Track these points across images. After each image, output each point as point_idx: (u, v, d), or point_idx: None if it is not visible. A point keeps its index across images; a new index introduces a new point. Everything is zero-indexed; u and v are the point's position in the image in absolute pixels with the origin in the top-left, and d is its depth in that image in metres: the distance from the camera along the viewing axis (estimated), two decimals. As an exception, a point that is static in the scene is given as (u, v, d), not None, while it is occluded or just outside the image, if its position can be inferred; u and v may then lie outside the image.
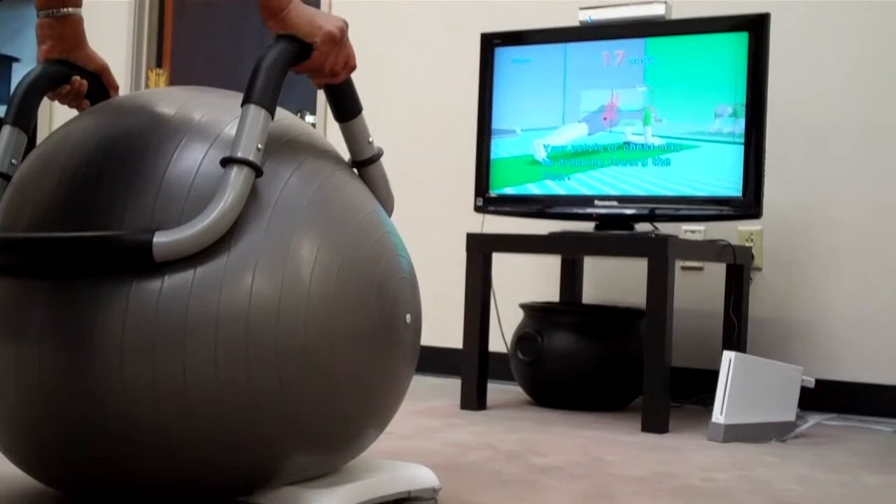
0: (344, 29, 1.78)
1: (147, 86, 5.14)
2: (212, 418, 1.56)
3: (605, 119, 3.38)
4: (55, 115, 4.74)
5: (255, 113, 1.64)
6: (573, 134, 3.43)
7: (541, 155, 3.46)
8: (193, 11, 5.46)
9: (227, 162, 1.59)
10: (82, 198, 1.63)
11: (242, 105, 1.65)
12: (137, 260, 1.53)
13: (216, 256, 1.56)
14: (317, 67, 1.78)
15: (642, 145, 3.30)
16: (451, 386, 3.66)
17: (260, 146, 1.62)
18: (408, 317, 1.81)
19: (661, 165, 3.27)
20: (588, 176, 3.38)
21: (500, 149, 3.52)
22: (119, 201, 1.60)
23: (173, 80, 5.26)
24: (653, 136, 3.29)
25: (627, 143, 3.32)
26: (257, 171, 1.60)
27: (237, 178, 1.57)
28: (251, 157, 1.59)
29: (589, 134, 3.40)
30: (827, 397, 3.42)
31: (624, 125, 3.34)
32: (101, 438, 1.58)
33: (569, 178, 3.40)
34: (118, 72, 2.05)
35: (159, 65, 5.25)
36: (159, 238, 1.53)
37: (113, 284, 1.55)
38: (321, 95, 4.52)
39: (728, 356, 2.95)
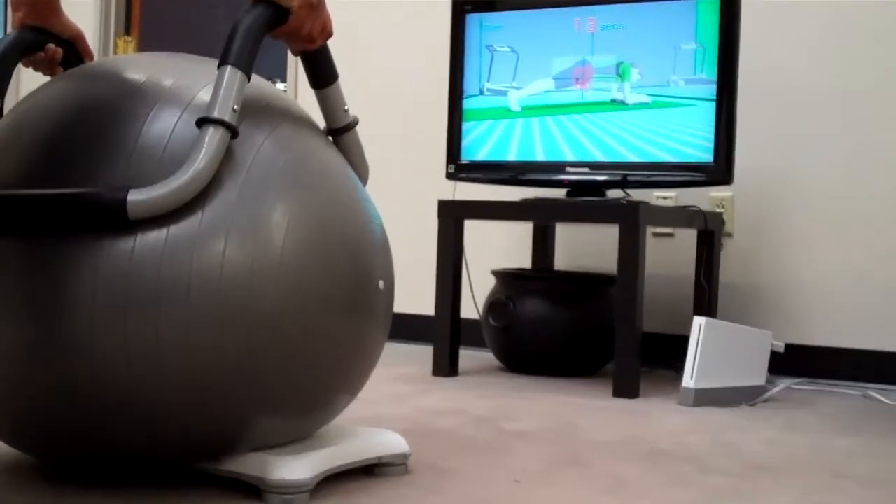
0: None
1: (115, 53, 5.11)
2: (183, 382, 1.56)
3: (576, 79, 3.38)
4: (23, 83, 4.70)
5: (232, 74, 1.64)
6: (540, 87, 3.43)
7: (514, 106, 3.47)
8: (162, -22, 5.42)
9: (202, 122, 1.59)
10: (55, 160, 1.62)
11: (219, 67, 1.65)
12: (111, 218, 1.53)
13: (189, 217, 1.55)
14: (293, 32, 1.78)
15: (620, 102, 3.31)
16: (423, 352, 3.67)
17: (236, 107, 1.62)
18: (381, 283, 1.81)
19: (633, 124, 3.28)
20: (560, 137, 3.38)
21: (472, 103, 3.53)
22: (93, 164, 1.59)
23: (142, 48, 5.22)
24: (631, 92, 3.30)
25: (613, 101, 3.33)
26: (233, 131, 1.60)
27: (213, 137, 1.57)
28: (227, 118, 1.59)
29: (556, 89, 3.41)
30: (796, 362, 3.45)
31: (600, 84, 3.35)
32: (73, 402, 1.58)
33: (541, 140, 3.41)
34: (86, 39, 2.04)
35: (128, 32, 5.21)
36: (133, 196, 1.52)
37: (85, 244, 1.54)
38: (292, 63, 4.50)
39: (698, 321, 2.97)
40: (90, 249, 1.54)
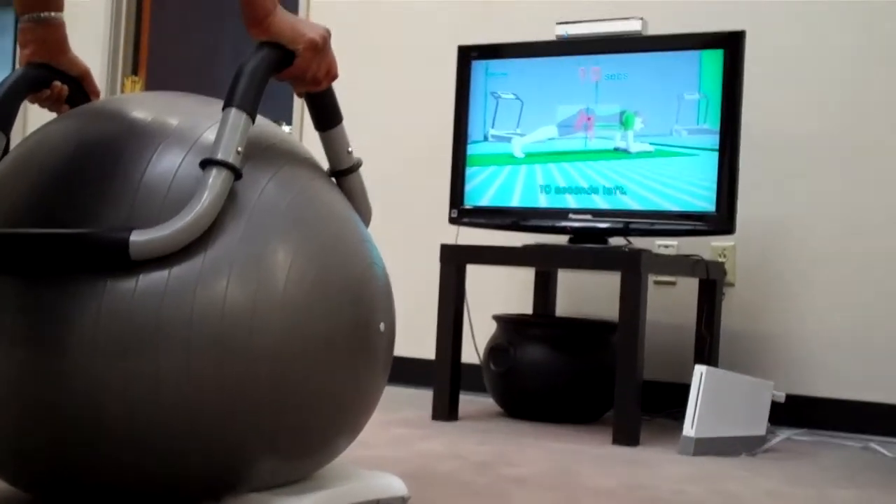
0: (327, 37, 1.79)
1: (123, 93, 5.12)
2: (182, 422, 1.56)
3: (580, 127, 3.39)
4: (30, 119, 4.72)
5: (237, 116, 1.64)
6: (543, 134, 3.44)
7: (518, 152, 3.48)
8: (170, 19, 5.45)
9: (206, 163, 1.59)
10: (58, 199, 1.62)
11: (223, 108, 1.65)
12: (113, 258, 1.53)
13: (191, 258, 1.55)
14: (299, 75, 1.78)
15: (623, 151, 3.32)
16: (423, 396, 3.66)
17: (240, 149, 1.62)
18: (382, 325, 1.81)
19: (636, 173, 3.28)
20: (563, 184, 3.39)
21: (476, 149, 3.54)
22: (96, 203, 1.60)
23: (149, 88, 5.24)
24: (634, 141, 3.31)
25: (616, 149, 3.34)
26: (236, 173, 1.60)
27: (216, 179, 1.57)
28: (231, 160, 1.59)
29: (560, 136, 3.42)
30: (797, 412, 3.43)
31: (603, 132, 3.36)
32: (71, 440, 1.57)
33: (544, 187, 3.42)
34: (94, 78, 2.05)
35: (135, 72, 5.24)
36: (136, 236, 1.52)
37: (87, 283, 1.54)
38: (298, 105, 4.52)
39: (700, 370, 2.96)
40: (92, 289, 1.54)
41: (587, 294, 3.90)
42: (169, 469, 1.60)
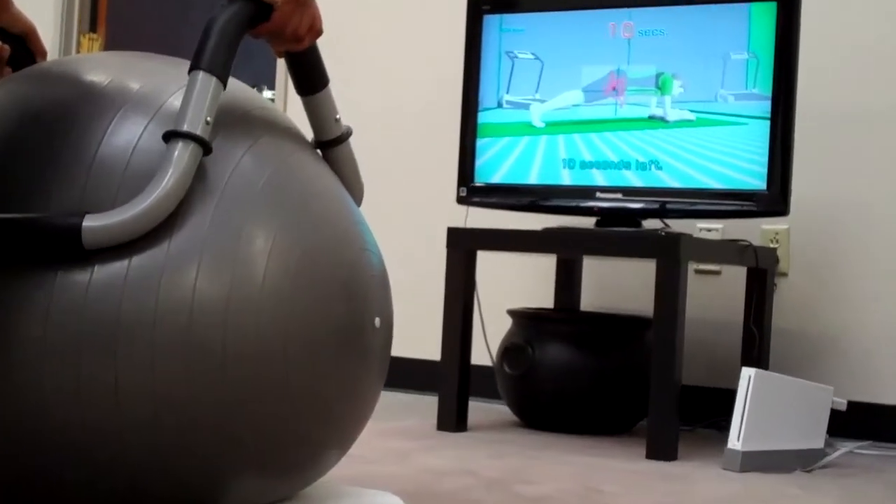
0: None
1: (78, 53, 5.13)
2: (145, 433, 1.56)
3: (609, 92, 3.39)
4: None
5: (205, 81, 1.64)
6: (567, 100, 3.44)
7: (537, 121, 3.47)
8: (134, -32, 5.46)
9: (170, 136, 1.59)
10: (1, 177, 1.63)
11: (190, 72, 1.65)
12: (64, 246, 1.53)
13: (155, 245, 1.56)
14: (277, 31, 1.78)
15: (660, 119, 3.31)
16: (427, 403, 3.66)
17: (209, 119, 1.62)
18: (377, 320, 1.81)
19: (674, 144, 3.28)
20: (589, 158, 3.39)
21: (488, 118, 3.54)
22: (44, 181, 1.60)
23: (108, 47, 5.25)
24: (672, 108, 3.30)
25: (651, 118, 3.34)
26: (205, 147, 1.61)
27: (182, 154, 1.57)
28: (198, 132, 1.60)
29: (586, 102, 3.42)
30: (861, 422, 3.43)
31: (636, 97, 3.35)
32: (14, 451, 1.58)
33: (567, 161, 3.42)
34: (45, 36, 2.06)
35: (93, 29, 5.24)
36: (90, 222, 1.53)
37: (35, 275, 1.55)
38: (281, 67, 4.52)
39: (747, 373, 2.96)
40: (41, 280, 1.54)
41: (617, 285, 3.91)
42: (127, 488, 1.61)
